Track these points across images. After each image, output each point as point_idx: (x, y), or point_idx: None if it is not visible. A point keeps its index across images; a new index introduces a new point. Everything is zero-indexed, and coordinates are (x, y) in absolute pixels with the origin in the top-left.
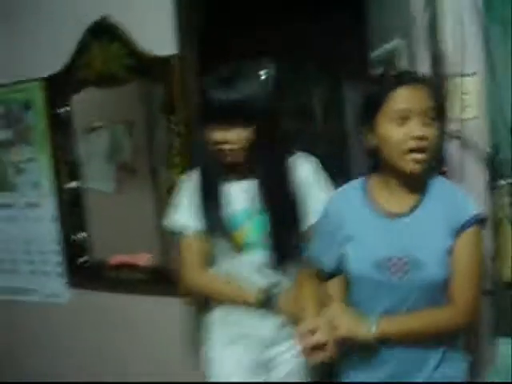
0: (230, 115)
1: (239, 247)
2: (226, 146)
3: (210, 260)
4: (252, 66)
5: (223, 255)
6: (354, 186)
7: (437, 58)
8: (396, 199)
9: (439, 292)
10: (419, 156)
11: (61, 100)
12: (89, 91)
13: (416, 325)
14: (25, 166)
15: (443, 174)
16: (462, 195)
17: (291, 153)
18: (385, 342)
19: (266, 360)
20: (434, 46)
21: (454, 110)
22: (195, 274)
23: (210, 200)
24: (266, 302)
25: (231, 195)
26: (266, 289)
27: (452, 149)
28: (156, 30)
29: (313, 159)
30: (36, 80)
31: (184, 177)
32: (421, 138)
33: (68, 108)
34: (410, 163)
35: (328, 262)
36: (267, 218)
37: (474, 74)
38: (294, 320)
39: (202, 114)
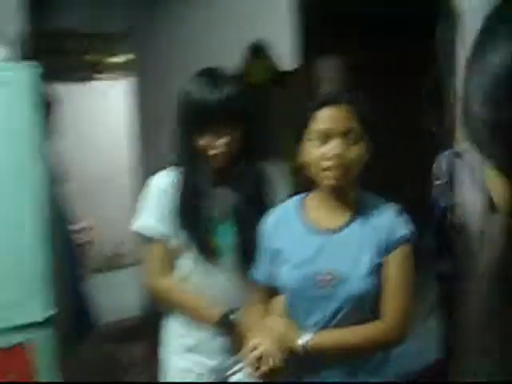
0: (224, 118)
1: (212, 252)
2: (216, 151)
3: (175, 266)
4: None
5: (195, 262)
6: (290, 203)
7: None
8: (328, 216)
9: (367, 307)
10: (334, 173)
11: None
12: None
13: (347, 338)
14: None
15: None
16: (392, 214)
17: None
18: (318, 353)
19: (218, 370)
20: None
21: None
22: (157, 280)
23: (191, 204)
24: (223, 326)
25: (210, 200)
26: (227, 312)
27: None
28: (286, 48)
29: (280, 167)
30: None
31: (159, 175)
32: (336, 157)
33: None
34: (326, 179)
35: (267, 278)
36: (241, 224)
37: None
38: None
39: (190, 115)
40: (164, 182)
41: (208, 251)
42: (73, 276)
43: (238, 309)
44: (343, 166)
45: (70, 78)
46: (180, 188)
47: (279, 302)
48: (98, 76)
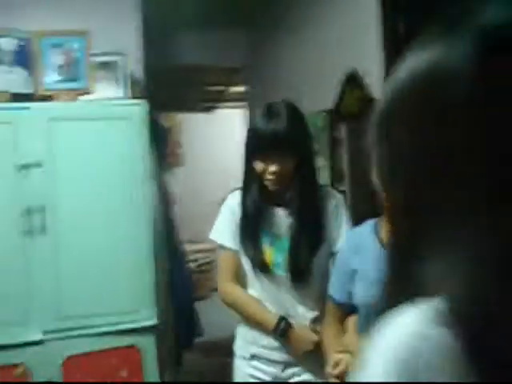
0: (276, 146)
1: (266, 267)
2: (270, 176)
3: (242, 277)
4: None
5: (255, 274)
6: (365, 226)
7: None
8: None
9: None
10: None
11: (335, 127)
12: None
13: None
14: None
15: None
16: None
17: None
18: None
19: (281, 379)
20: None
21: None
22: (225, 286)
23: (249, 221)
24: (281, 332)
25: (268, 219)
26: (284, 319)
27: None
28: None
29: (340, 194)
30: (323, 112)
31: (233, 193)
32: None
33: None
34: None
35: (343, 296)
36: (294, 243)
37: None
38: (303, 351)
39: (250, 144)
40: (234, 201)
41: (262, 266)
42: (185, 291)
43: (292, 316)
44: None
45: (193, 108)
46: (241, 207)
47: (352, 320)
48: (217, 106)
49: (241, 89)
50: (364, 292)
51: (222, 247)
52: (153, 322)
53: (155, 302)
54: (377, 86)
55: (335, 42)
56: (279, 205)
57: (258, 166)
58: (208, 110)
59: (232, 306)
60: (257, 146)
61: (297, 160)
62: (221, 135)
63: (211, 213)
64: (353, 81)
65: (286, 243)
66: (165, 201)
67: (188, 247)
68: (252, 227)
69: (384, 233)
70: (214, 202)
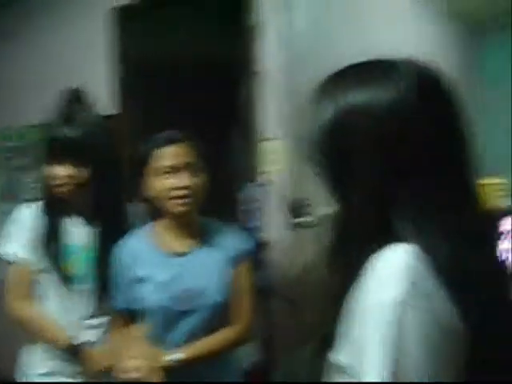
0: (62, 152)
1: (68, 278)
2: (58, 182)
3: (36, 292)
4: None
5: (53, 287)
6: (140, 232)
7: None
8: (178, 240)
9: (219, 315)
10: (180, 201)
11: None
12: None
13: (213, 345)
14: None
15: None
16: (235, 235)
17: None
18: (192, 363)
19: None
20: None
21: (262, 166)
22: (17, 304)
23: (47, 232)
24: (71, 352)
25: (66, 229)
26: (75, 339)
27: (259, 194)
28: (104, 95)
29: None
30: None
31: (21, 206)
32: (181, 188)
33: None
34: (175, 207)
35: (126, 304)
36: (96, 253)
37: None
38: (93, 373)
39: (44, 148)
40: (26, 212)
41: (64, 277)
42: None
43: (95, 328)
44: (191, 195)
45: None
46: (40, 217)
47: (138, 328)
48: None
49: None
50: (151, 298)
51: (11, 261)
52: None
53: None
54: (103, 103)
55: (59, 56)
56: (76, 213)
57: (49, 171)
58: None
59: (22, 323)
60: (47, 150)
61: (91, 167)
62: None
63: None
64: (77, 97)
65: (86, 254)
66: None
67: None
68: (49, 238)
69: (161, 237)
70: None
